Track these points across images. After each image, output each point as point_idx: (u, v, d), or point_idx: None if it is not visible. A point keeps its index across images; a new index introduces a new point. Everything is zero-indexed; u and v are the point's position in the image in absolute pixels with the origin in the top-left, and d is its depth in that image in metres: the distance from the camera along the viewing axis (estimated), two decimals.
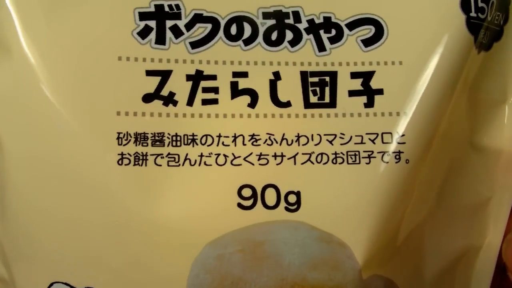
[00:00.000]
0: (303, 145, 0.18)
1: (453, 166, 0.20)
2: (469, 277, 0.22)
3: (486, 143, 0.20)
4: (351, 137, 0.18)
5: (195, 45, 0.18)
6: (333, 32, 0.18)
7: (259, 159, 0.17)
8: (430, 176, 0.19)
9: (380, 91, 0.18)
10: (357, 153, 0.18)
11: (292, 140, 0.18)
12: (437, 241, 0.21)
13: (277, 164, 0.17)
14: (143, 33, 0.18)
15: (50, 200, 0.17)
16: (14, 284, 0.19)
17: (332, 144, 0.18)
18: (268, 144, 0.18)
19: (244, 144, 0.17)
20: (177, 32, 0.18)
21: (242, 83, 0.18)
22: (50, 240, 0.18)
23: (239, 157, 0.17)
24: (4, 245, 0.19)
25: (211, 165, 0.17)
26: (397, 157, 0.18)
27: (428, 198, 0.19)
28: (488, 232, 0.21)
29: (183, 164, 0.17)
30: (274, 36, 0.18)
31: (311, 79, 0.18)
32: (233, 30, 0.18)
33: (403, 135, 0.18)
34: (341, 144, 0.18)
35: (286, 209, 0.17)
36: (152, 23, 0.18)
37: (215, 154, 0.17)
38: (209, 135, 0.17)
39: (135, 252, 0.17)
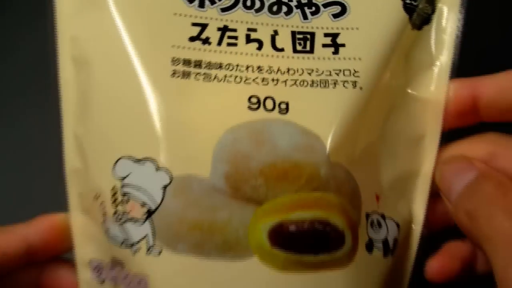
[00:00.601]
0: (291, 74, 0.27)
1: (395, 105, 0.29)
2: (412, 198, 0.30)
3: (418, 95, 0.29)
4: (323, 71, 0.27)
5: (223, 10, 0.27)
6: (313, 8, 0.28)
7: (262, 81, 0.26)
8: (379, 106, 0.28)
9: (343, 45, 0.27)
10: (327, 81, 0.27)
11: (284, 71, 0.27)
12: (387, 160, 0.29)
13: (274, 85, 0.26)
14: (190, 0, 0.27)
15: (123, 98, 0.26)
16: (87, 170, 0.27)
17: (310, 75, 0.27)
18: (268, 73, 0.27)
19: (253, 72, 0.27)
20: (212, 1, 0.27)
21: (253, 35, 0.27)
22: (118, 128, 0.26)
23: (250, 78, 0.26)
24: (83, 140, 0.27)
25: (231, 82, 0.26)
26: (354, 85, 0.27)
27: (378, 122, 0.28)
28: (424, 162, 0.30)
29: (213, 80, 0.26)
30: (275, 8, 0.28)
31: (298, 36, 0.27)
32: (248, 3, 0.28)
33: (358, 71, 0.27)
34: (316, 75, 0.27)
35: (279, 112, 0.26)
36: None
37: (234, 76, 0.26)
38: (231, 64, 0.27)
39: (178, 133, 0.26)
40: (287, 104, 0.26)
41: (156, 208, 0.26)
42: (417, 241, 0.30)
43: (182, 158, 0.26)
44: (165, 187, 0.26)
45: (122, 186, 0.26)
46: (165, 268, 0.25)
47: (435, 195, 0.30)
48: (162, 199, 0.26)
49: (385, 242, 0.28)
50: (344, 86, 0.27)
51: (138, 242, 0.26)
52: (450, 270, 0.30)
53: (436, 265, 0.30)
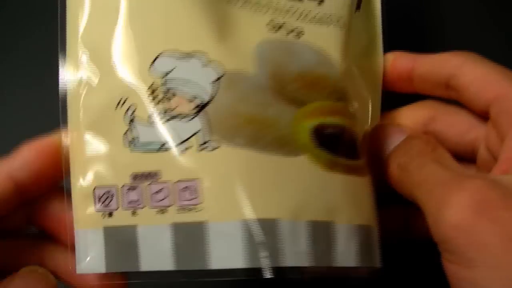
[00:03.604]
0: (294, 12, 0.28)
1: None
2: None
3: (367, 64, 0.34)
4: (317, 13, 0.29)
5: None
6: None
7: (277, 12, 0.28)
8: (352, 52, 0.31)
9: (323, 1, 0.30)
10: (322, 19, 0.29)
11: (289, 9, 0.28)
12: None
13: (288, 17, 0.28)
14: None
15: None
16: (103, 79, 0.25)
17: (307, 15, 0.29)
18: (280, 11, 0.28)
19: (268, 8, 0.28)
20: None
21: None
22: (158, 24, 0.25)
23: (267, 12, 0.28)
24: (99, 49, 0.25)
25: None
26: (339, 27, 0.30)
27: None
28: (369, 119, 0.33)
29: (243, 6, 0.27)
30: None
31: None
32: None
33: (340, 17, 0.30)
34: (314, 15, 0.29)
35: (294, 37, 0.27)
36: None
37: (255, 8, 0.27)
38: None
39: (223, 30, 0.25)
40: (299, 32, 0.28)
41: (209, 101, 0.24)
42: None
43: (230, 54, 0.25)
44: (216, 80, 0.24)
45: (164, 83, 0.24)
46: (223, 163, 0.24)
47: None
48: (215, 93, 0.24)
49: None
50: (333, 26, 0.30)
51: (187, 139, 0.24)
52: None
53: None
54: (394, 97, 0.34)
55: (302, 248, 0.24)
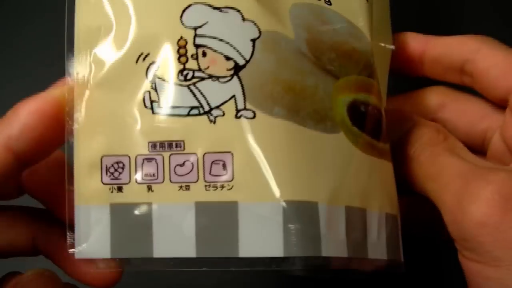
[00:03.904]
0: None
1: None
2: None
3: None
4: None
5: None
6: None
7: None
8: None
9: None
10: None
11: None
12: None
13: None
14: None
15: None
16: (123, 25, 0.21)
17: None
18: None
19: None
20: None
21: None
22: None
23: None
24: None
25: None
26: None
27: None
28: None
29: None
30: None
31: None
32: None
33: None
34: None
35: (325, 2, 0.25)
36: None
37: None
38: None
39: None
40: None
41: (246, 63, 0.21)
42: None
43: (267, 13, 0.22)
44: (254, 40, 0.21)
45: (196, 37, 0.21)
46: (260, 135, 0.20)
47: None
48: (252, 53, 0.21)
49: None
50: None
51: (222, 104, 0.20)
52: None
53: None
54: (402, 80, 0.32)
55: (341, 238, 0.21)
